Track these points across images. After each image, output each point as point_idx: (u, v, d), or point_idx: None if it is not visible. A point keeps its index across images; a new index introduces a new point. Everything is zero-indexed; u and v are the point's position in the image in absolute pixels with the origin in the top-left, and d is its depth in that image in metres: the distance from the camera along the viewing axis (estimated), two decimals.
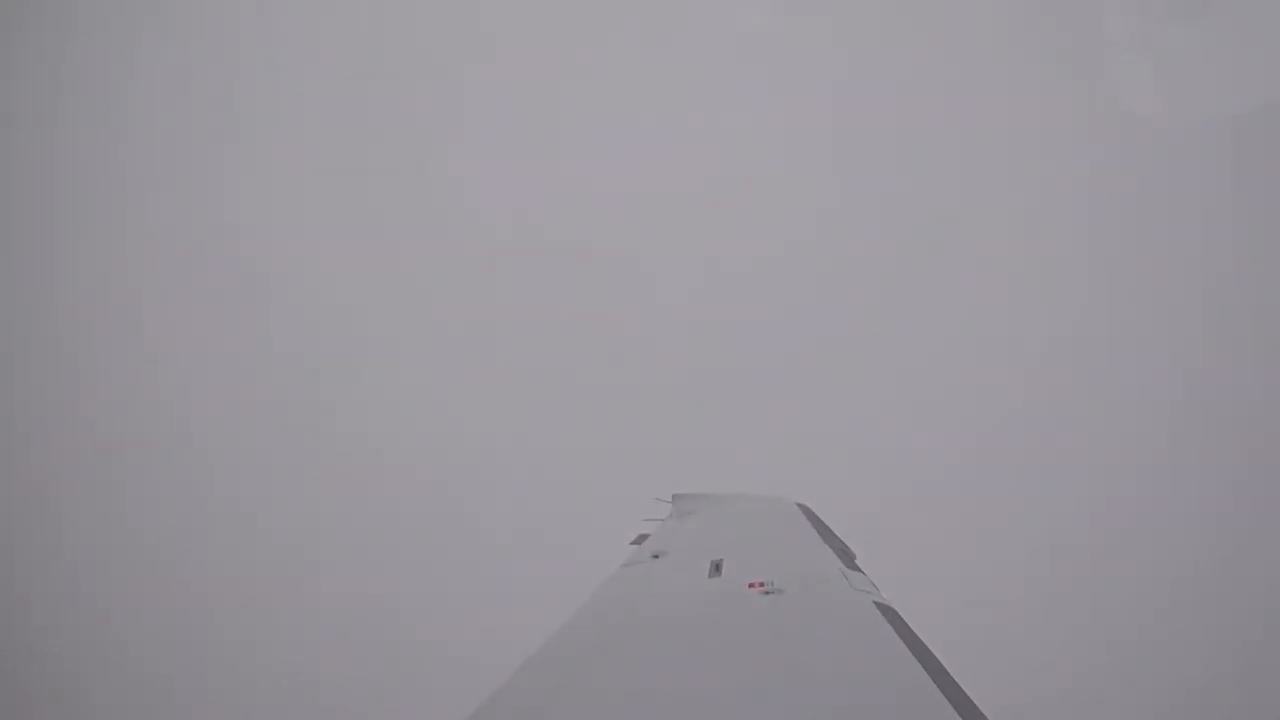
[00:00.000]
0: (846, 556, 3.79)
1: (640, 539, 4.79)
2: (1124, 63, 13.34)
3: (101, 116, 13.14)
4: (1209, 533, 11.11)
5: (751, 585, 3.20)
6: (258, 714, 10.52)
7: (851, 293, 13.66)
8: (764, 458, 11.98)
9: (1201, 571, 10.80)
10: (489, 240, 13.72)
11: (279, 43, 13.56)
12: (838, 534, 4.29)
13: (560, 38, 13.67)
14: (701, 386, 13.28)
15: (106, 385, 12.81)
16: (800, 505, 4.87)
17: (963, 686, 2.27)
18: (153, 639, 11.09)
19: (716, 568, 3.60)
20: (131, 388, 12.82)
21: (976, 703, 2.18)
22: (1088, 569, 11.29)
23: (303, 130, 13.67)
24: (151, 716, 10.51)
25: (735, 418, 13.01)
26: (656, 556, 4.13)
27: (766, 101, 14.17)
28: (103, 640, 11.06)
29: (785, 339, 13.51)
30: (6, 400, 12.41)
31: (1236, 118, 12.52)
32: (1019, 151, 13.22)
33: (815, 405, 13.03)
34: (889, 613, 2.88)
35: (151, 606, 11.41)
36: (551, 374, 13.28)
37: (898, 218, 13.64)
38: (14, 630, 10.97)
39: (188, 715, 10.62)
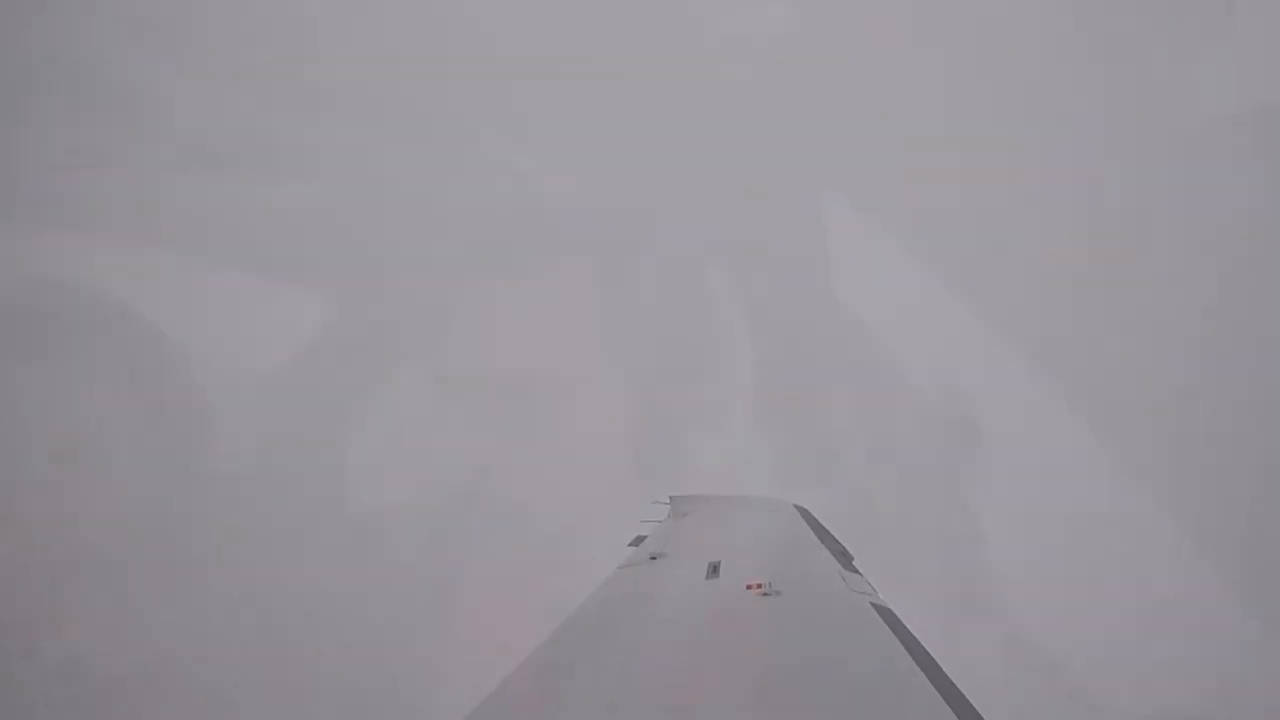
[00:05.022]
0: (844, 558, 3.80)
1: (638, 540, 4.79)
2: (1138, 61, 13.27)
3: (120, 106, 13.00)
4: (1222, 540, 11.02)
5: (749, 587, 3.20)
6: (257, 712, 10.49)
7: (852, 297, 13.64)
8: (763, 459, 11.95)
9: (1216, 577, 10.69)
10: (488, 238, 13.70)
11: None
12: (835, 536, 4.30)
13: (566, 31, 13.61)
14: (703, 387, 13.26)
15: (110, 381, 12.77)
16: (798, 507, 4.88)
17: (960, 687, 2.26)
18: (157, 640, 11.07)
19: (714, 569, 3.60)
20: (136, 385, 12.77)
21: (975, 704, 2.18)
22: (1089, 573, 11.24)
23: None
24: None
25: (736, 418, 12.99)
26: (654, 558, 4.13)
27: (772, 103, 14.16)
28: (106, 642, 11.03)
29: (786, 341, 13.50)
30: (8, 399, 12.38)
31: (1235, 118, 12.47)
32: (1023, 155, 13.19)
33: (815, 406, 13.02)
34: (886, 614, 2.88)
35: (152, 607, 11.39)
36: (552, 372, 13.26)
37: (901, 223, 13.61)
38: (12, 631, 10.94)
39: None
